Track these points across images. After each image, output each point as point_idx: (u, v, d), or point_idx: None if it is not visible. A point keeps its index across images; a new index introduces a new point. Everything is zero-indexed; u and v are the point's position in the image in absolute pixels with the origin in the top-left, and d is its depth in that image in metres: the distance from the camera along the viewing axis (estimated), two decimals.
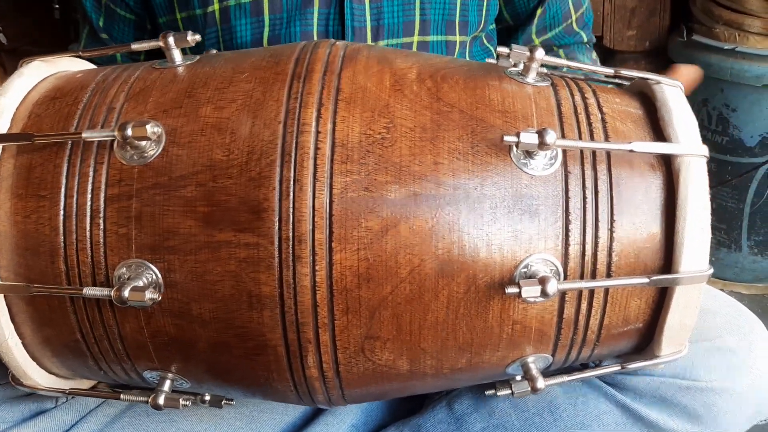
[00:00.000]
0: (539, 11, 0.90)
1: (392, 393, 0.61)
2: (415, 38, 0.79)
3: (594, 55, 0.97)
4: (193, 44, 0.59)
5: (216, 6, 0.76)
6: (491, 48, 0.91)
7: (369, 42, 0.77)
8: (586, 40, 0.95)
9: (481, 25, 0.85)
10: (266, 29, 0.76)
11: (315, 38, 0.76)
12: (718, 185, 1.38)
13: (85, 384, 0.64)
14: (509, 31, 0.94)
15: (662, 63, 1.54)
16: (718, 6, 1.37)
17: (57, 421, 0.66)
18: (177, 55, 0.59)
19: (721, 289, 0.96)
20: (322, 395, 0.57)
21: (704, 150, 0.53)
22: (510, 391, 0.58)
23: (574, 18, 0.92)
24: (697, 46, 1.40)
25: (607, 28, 1.53)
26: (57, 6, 1.29)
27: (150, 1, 0.80)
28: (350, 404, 0.62)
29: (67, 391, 0.62)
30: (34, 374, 0.59)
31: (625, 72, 0.60)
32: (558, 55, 0.91)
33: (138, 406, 0.70)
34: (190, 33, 0.59)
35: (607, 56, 1.58)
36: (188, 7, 0.77)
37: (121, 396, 0.60)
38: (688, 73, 0.68)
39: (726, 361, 0.68)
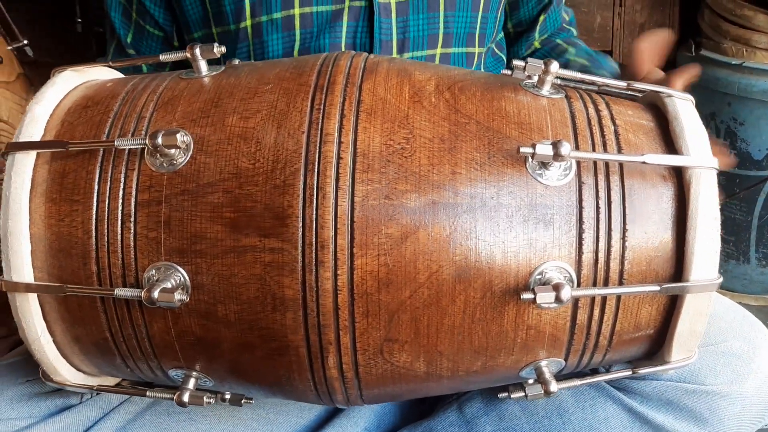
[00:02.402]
0: (542, 17, 0.93)
1: (408, 394, 0.63)
2: (438, 50, 0.82)
3: None
4: (219, 56, 0.61)
5: (248, 22, 0.78)
6: (502, 56, 0.94)
7: (394, 54, 0.80)
8: (576, 34, 0.99)
9: (494, 36, 0.88)
10: (297, 43, 0.78)
11: (343, 50, 0.78)
12: (727, 198, 1.40)
13: (110, 381, 0.66)
14: (509, 38, 0.97)
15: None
16: (726, 22, 1.39)
17: (81, 416, 0.68)
18: (203, 66, 0.61)
19: None
20: (341, 395, 0.59)
21: (714, 162, 0.55)
22: (523, 394, 0.60)
23: (566, 20, 0.97)
24: (705, 60, 1.42)
25: (617, 42, 1.55)
26: (80, 20, 1.31)
27: (185, 16, 0.82)
28: (367, 404, 0.64)
29: (95, 388, 0.63)
30: (64, 371, 0.61)
31: (637, 85, 0.61)
32: (561, 47, 0.94)
33: (159, 405, 0.72)
34: (216, 45, 0.61)
35: None
36: (222, 22, 0.80)
37: (148, 393, 0.61)
38: (686, 73, 0.70)
39: (731, 365, 0.69)
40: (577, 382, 0.61)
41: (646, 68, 0.72)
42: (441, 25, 0.81)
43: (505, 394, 0.62)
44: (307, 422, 0.78)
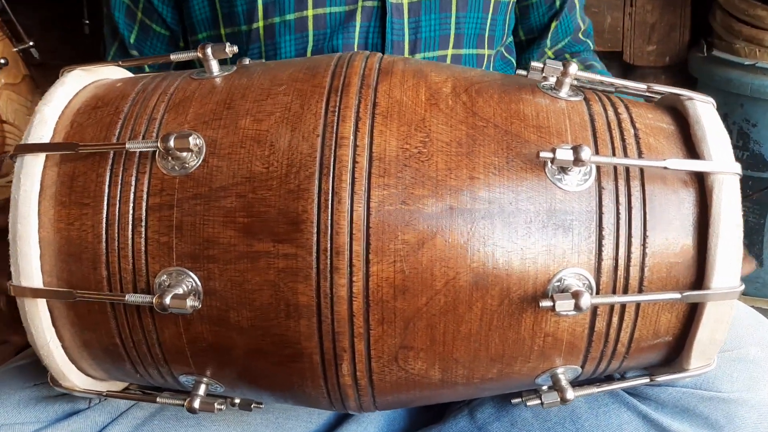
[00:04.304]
0: (554, 24, 0.92)
1: (422, 400, 0.62)
2: (450, 51, 0.81)
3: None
4: (231, 56, 0.60)
5: (261, 23, 0.77)
6: (511, 59, 0.93)
7: (406, 54, 0.79)
8: (593, 47, 0.98)
9: (503, 39, 0.87)
10: (310, 44, 0.78)
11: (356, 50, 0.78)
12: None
13: (119, 386, 0.65)
14: (521, 45, 0.96)
15: (682, 78, 1.54)
16: (739, 22, 1.38)
17: (90, 421, 0.67)
18: (215, 66, 0.60)
19: None
20: (354, 402, 0.58)
21: (737, 168, 0.54)
22: (540, 402, 0.59)
23: (582, 29, 0.96)
24: (717, 61, 1.41)
25: (627, 43, 1.54)
26: (87, 22, 1.31)
27: (190, 16, 0.81)
28: (380, 410, 0.63)
29: (104, 394, 0.63)
30: (72, 376, 0.60)
31: (657, 87, 0.60)
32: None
33: (167, 410, 0.71)
34: (228, 44, 0.60)
35: (627, 71, 1.58)
36: (233, 23, 0.79)
37: (158, 399, 0.61)
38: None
39: (748, 371, 0.68)
40: (594, 390, 0.60)
41: None
42: (452, 26, 0.80)
43: (519, 400, 0.61)
44: (317, 427, 0.78)
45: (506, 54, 0.91)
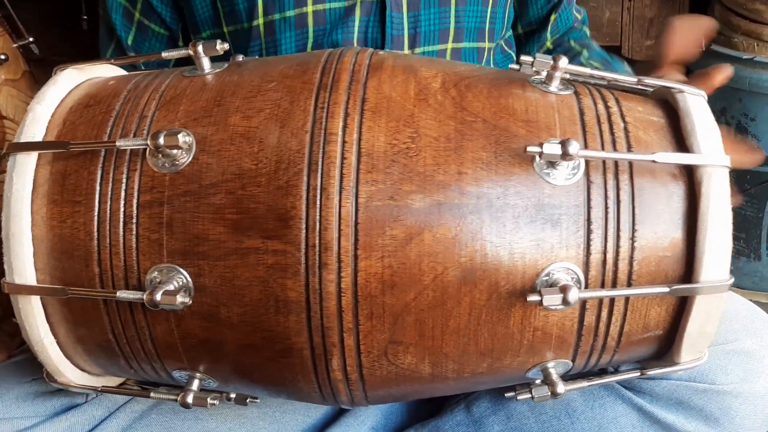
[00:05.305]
0: (553, 17, 0.92)
1: (414, 395, 0.62)
2: (449, 45, 0.81)
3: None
4: (222, 53, 0.61)
5: (261, 20, 0.77)
6: (511, 53, 0.93)
7: (406, 49, 0.79)
8: (589, 34, 0.98)
9: (503, 32, 0.88)
10: (310, 40, 0.78)
11: (350, 46, 0.78)
12: (743, 197, 1.38)
13: (115, 381, 0.66)
14: (519, 39, 0.96)
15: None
16: (737, 16, 1.37)
17: (87, 415, 0.68)
18: (206, 63, 0.61)
19: None
20: (346, 396, 0.58)
21: (727, 160, 0.53)
22: (530, 396, 0.59)
23: (579, 18, 0.96)
24: (716, 55, 1.40)
25: (626, 37, 1.54)
26: (85, 17, 1.31)
27: (193, 15, 0.81)
28: (372, 405, 0.63)
29: (99, 389, 0.63)
30: (68, 372, 0.60)
31: (648, 80, 0.60)
32: (574, 50, 0.93)
33: (165, 404, 0.71)
34: (218, 42, 0.60)
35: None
36: (235, 21, 0.79)
37: (152, 394, 0.61)
38: (717, 76, 0.68)
39: (742, 364, 0.68)
40: (585, 384, 0.60)
41: (675, 52, 0.70)
42: (452, 20, 0.80)
43: (511, 394, 0.61)
44: (314, 421, 0.78)
45: (506, 47, 0.91)
